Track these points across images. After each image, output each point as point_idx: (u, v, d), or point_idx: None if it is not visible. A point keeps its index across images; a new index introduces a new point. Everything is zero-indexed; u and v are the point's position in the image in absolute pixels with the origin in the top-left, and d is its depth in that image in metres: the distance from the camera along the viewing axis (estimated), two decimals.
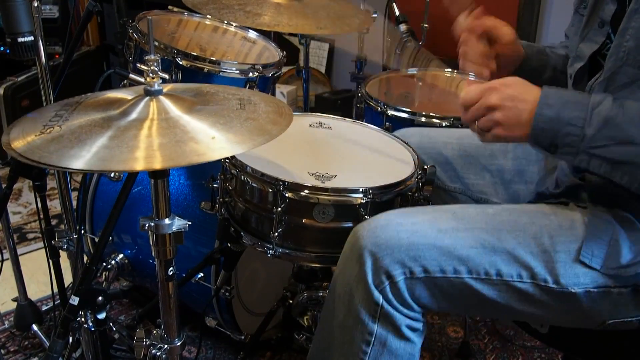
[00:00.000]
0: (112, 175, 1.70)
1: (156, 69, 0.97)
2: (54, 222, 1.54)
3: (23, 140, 0.88)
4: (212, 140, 0.89)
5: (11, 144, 0.87)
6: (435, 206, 1.11)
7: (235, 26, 1.95)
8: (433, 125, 1.65)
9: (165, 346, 1.10)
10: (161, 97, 0.97)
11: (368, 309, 1.02)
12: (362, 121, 1.62)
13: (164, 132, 0.90)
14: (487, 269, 1.01)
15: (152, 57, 0.96)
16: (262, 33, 1.93)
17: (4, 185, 1.47)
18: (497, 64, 1.25)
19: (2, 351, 1.76)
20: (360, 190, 1.13)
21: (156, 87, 0.97)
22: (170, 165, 0.86)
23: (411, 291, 1.02)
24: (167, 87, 1.02)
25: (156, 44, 1.58)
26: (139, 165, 0.84)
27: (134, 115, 0.93)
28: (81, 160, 0.83)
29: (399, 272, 1.00)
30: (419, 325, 1.06)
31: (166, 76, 1.01)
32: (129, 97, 0.99)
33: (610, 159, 0.95)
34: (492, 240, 1.02)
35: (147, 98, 0.97)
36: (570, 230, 1.03)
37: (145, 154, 0.85)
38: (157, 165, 0.85)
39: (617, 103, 0.96)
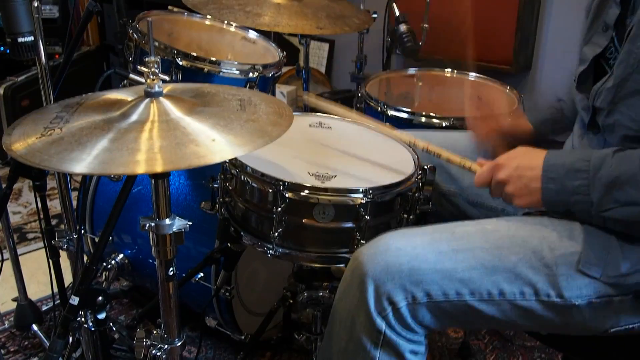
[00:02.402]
0: (112, 175, 1.71)
1: (156, 70, 0.97)
2: (54, 222, 1.54)
3: (24, 142, 0.88)
4: (212, 143, 0.89)
5: (12, 146, 0.87)
6: (434, 225, 1.10)
7: (235, 26, 1.95)
8: (433, 126, 1.65)
9: (166, 346, 1.10)
10: (161, 99, 0.97)
11: (370, 336, 1.02)
12: None
13: (165, 134, 0.90)
14: (489, 289, 1.01)
15: (152, 58, 0.96)
16: (262, 33, 1.93)
17: (4, 185, 1.47)
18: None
19: (2, 351, 1.76)
20: (361, 190, 1.13)
21: (156, 89, 0.97)
22: (170, 168, 0.86)
23: (414, 315, 1.02)
24: (167, 88, 1.02)
25: (156, 44, 1.58)
26: (140, 169, 0.84)
27: (134, 117, 0.93)
28: (82, 163, 0.83)
29: (401, 298, 1.00)
30: (422, 349, 1.06)
31: (166, 78, 1.01)
32: (130, 99, 0.99)
33: (621, 220, 0.97)
34: (493, 259, 1.02)
35: (148, 100, 0.96)
36: (569, 240, 1.03)
37: (146, 157, 0.85)
38: (158, 168, 0.85)
39: (616, 161, 0.97)
